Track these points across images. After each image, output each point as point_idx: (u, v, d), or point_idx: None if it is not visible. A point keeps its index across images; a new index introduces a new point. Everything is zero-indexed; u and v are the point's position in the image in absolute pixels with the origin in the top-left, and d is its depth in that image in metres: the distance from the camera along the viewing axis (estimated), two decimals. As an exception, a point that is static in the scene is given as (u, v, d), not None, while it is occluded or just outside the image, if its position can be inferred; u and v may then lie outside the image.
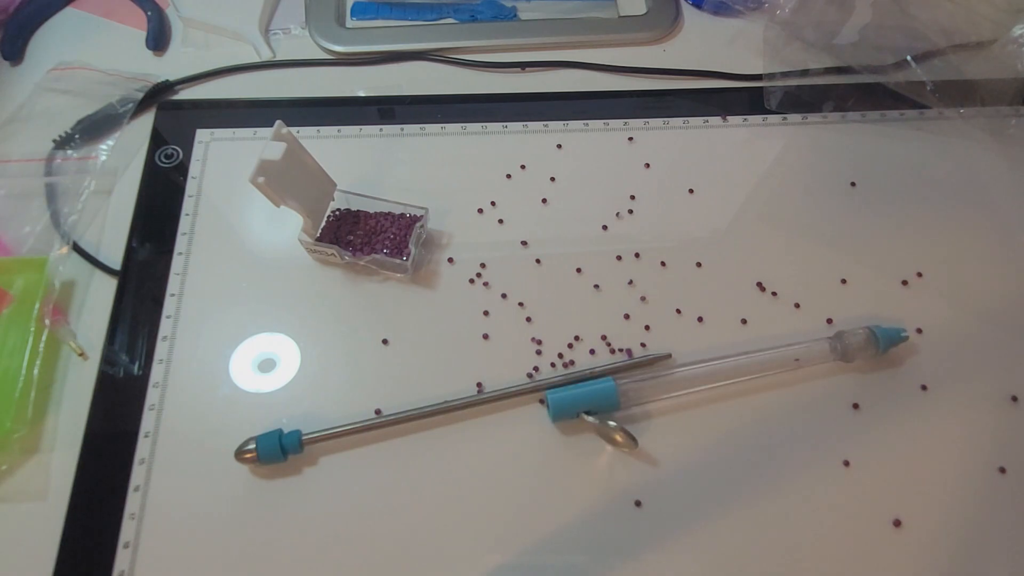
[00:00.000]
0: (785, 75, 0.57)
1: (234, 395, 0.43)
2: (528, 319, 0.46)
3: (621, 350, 0.45)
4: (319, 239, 0.47)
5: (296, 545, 0.39)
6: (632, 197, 0.51)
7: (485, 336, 0.46)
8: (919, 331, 0.46)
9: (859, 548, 0.40)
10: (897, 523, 0.40)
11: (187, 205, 0.50)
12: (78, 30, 0.59)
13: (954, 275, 0.49)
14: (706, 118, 0.55)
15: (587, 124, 0.55)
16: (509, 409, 0.43)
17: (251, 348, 0.45)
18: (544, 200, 0.51)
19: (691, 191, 0.52)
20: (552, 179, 0.52)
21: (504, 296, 0.47)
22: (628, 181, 0.52)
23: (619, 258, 0.49)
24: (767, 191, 0.52)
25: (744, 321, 0.47)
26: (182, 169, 0.52)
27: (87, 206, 0.50)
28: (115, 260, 0.48)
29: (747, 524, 0.40)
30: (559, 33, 0.59)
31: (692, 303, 0.47)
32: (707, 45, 0.60)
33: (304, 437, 0.40)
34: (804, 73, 0.57)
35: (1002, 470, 0.42)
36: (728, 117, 0.55)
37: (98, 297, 0.47)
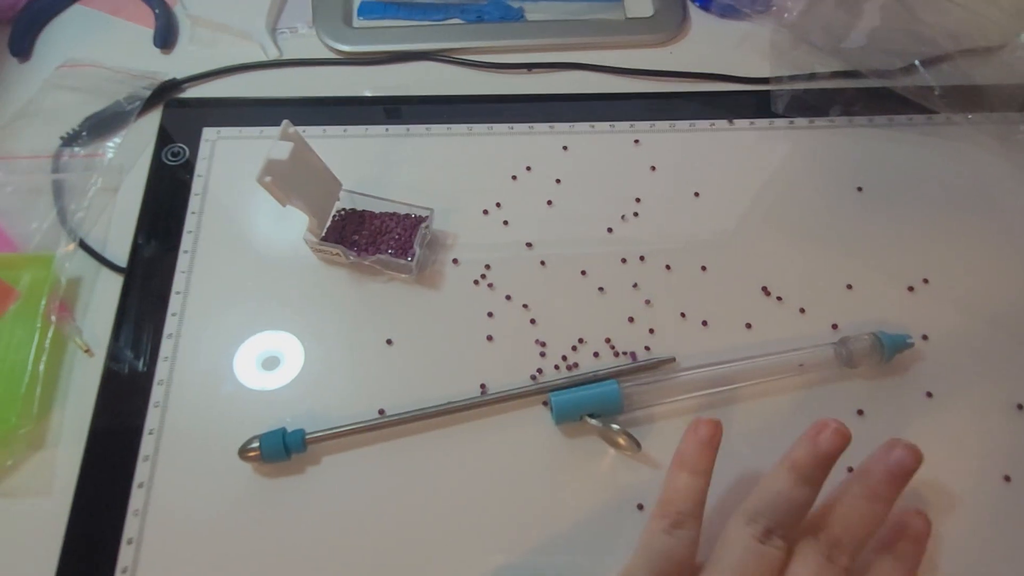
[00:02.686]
0: (792, 79, 0.56)
1: (238, 393, 0.43)
2: (532, 321, 0.46)
3: (625, 353, 0.45)
4: (324, 238, 0.47)
5: (299, 543, 0.39)
6: (637, 200, 0.51)
7: (489, 337, 0.46)
8: (925, 338, 0.46)
9: (862, 554, 0.39)
10: (900, 530, 0.40)
11: (193, 203, 0.50)
12: (86, 27, 0.59)
13: (961, 282, 0.48)
14: (712, 121, 0.55)
15: (593, 126, 0.54)
16: (512, 411, 0.43)
17: (255, 346, 0.45)
18: (549, 202, 0.51)
19: (697, 194, 0.52)
20: (558, 181, 0.52)
21: (508, 298, 0.47)
22: (634, 184, 0.52)
23: (624, 261, 0.49)
24: (773, 195, 0.52)
25: (748, 325, 0.46)
26: (188, 167, 0.52)
27: (94, 203, 0.50)
28: (121, 257, 0.48)
29: (749, 529, 0.40)
30: (566, 34, 0.59)
31: (697, 307, 0.47)
32: (714, 48, 0.59)
33: (307, 436, 0.40)
34: (811, 77, 0.57)
35: (1007, 478, 0.42)
36: (734, 120, 0.55)
37: (104, 294, 0.47)
